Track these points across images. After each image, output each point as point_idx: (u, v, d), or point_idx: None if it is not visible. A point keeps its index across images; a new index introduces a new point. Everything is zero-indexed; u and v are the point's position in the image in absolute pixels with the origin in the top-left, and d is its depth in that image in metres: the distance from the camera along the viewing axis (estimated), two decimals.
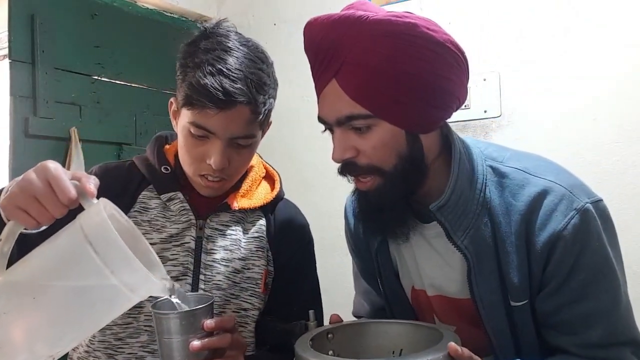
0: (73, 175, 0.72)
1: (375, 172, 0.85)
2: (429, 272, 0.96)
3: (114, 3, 2.28)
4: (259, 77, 0.94)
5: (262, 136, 1.06)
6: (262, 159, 1.15)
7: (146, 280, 0.67)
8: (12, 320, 0.67)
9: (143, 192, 1.02)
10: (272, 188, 1.12)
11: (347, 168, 0.86)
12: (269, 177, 1.14)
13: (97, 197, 0.98)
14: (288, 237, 1.10)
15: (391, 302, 1.04)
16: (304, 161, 2.28)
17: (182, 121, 0.97)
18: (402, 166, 0.85)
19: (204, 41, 0.96)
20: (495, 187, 0.89)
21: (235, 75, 0.91)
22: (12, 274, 0.69)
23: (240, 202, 1.04)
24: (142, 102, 2.36)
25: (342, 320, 0.90)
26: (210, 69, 0.91)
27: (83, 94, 2.13)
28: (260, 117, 0.96)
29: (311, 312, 0.90)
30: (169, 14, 2.52)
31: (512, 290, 0.87)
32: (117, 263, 0.65)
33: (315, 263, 1.16)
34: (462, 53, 0.85)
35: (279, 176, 1.15)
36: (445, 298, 0.96)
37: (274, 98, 1.01)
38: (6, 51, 1.95)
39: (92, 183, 0.71)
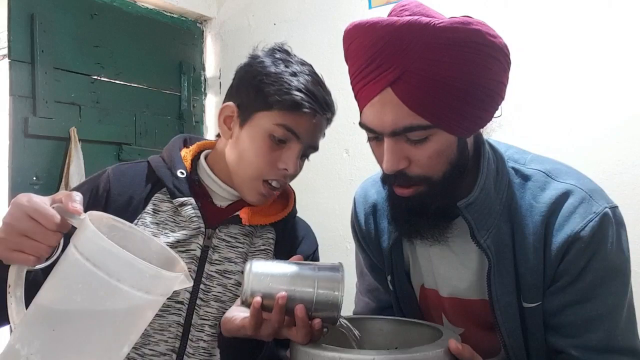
0: (53, 198, 0.71)
1: (424, 182, 0.83)
2: (443, 272, 0.96)
3: (114, 3, 2.28)
4: (331, 98, 1.04)
5: None
6: None
7: (158, 276, 0.66)
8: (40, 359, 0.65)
9: (156, 195, 1.01)
10: (286, 205, 1.11)
11: (396, 178, 0.83)
12: (284, 194, 1.13)
13: (110, 201, 0.99)
14: (295, 253, 1.09)
15: (401, 299, 1.04)
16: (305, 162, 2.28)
17: (261, 124, 0.97)
18: (450, 173, 0.84)
19: (280, 53, 1.04)
20: (517, 189, 0.89)
21: (325, 89, 1.02)
22: (31, 313, 0.67)
23: (252, 218, 1.03)
24: (141, 102, 2.37)
25: None
26: (308, 78, 0.99)
27: (83, 93, 2.13)
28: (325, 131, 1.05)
29: None
30: (169, 14, 2.52)
31: (525, 292, 0.88)
32: (119, 269, 0.64)
33: None
34: (509, 54, 0.85)
35: (294, 194, 1.14)
36: (458, 300, 0.95)
37: None
38: (6, 51, 1.95)
39: (75, 201, 0.69)
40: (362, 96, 0.82)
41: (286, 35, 2.35)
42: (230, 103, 1.02)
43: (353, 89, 0.86)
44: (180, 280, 0.69)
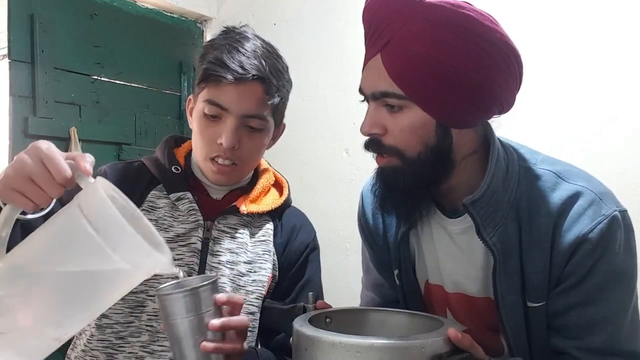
0: (67, 155, 0.71)
1: (397, 154, 0.85)
2: (449, 268, 0.96)
3: (114, 3, 2.28)
4: (274, 63, 1.00)
5: (275, 137, 1.08)
6: (272, 167, 1.16)
7: (149, 254, 0.66)
8: (16, 305, 0.66)
9: (152, 192, 1.03)
10: (280, 195, 1.13)
11: (371, 144, 0.86)
12: (277, 185, 1.15)
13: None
14: (294, 243, 1.10)
15: (407, 294, 1.04)
16: (304, 161, 2.28)
17: (197, 106, 1.00)
18: (425, 156, 0.85)
19: (225, 34, 1.02)
20: (526, 188, 0.89)
21: (251, 54, 0.97)
22: (13, 258, 0.68)
23: (249, 207, 1.04)
24: (141, 102, 2.37)
25: (331, 307, 0.90)
26: (228, 47, 0.97)
27: (82, 93, 2.14)
28: (273, 100, 0.99)
29: (310, 294, 0.89)
30: (169, 14, 2.52)
31: (531, 291, 0.88)
32: (118, 240, 0.64)
33: (319, 271, 1.15)
34: (517, 56, 0.84)
35: (288, 184, 1.15)
36: (464, 296, 0.95)
37: (287, 95, 1.06)
38: (6, 51, 1.95)
39: (87, 162, 0.70)
40: (364, 61, 0.86)
41: (286, 35, 2.35)
42: (190, 96, 1.07)
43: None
44: (165, 265, 0.69)
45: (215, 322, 0.75)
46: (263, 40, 1.03)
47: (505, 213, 0.88)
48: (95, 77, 2.20)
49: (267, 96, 0.98)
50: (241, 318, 0.80)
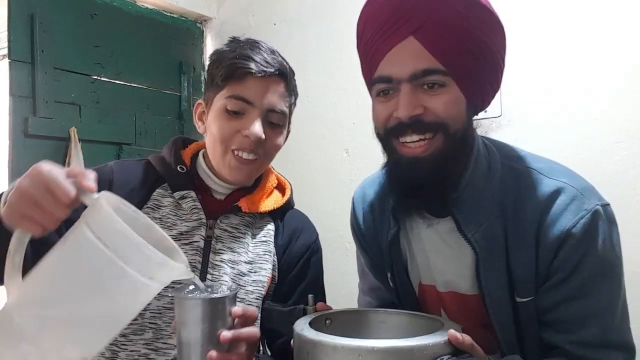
0: (69, 172, 0.71)
1: (441, 129, 0.85)
2: (440, 268, 0.97)
3: (114, 3, 2.28)
4: (289, 66, 1.05)
5: (285, 137, 1.10)
6: (274, 170, 1.17)
7: (163, 264, 0.66)
8: (39, 332, 0.65)
9: (157, 190, 1.04)
10: (283, 196, 1.13)
11: (413, 125, 0.85)
12: (280, 187, 1.16)
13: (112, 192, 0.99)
14: (295, 245, 1.10)
15: (402, 296, 1.04)
16: (304, 161, 2.28)
17: (217, 104, 1.01)
18: (462, 133, 0.87)
19: (231, 43, 1.05)
20: (509, 185, 0.90)
21: (270, 52, 1.02)
22: (29, 285, 0.68)
23: (251, 206, 1.05)
24: (141, 102, 2.37)
25: (331, 308, 0.90)
26: (251, 47, 1.01)
27: (83, 93, 2.13)
28: (291, 98, 1.04)
29: (310, 296, 0.90)
30: (169, 14, 2.52)
31: (518, 286, 0.89)
32: (128, 252, 0.64)
33: (322, 274, 1.15)
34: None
35: (291, 186, 1.16)
36: (456, 294, 0.96)
37: (297, 97, 1.09)
38: (6, 51, 1.95)
39: (90, 178, 0.70)
40: (381, 51, 0.87)
41: (286, 35, 2.35)
42: (200, 101, 1.08)
43: (369, 51, 0.89)
44: (181, 271, 0.70)
45: (227, 334, 0.76)
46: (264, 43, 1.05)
47: (489, 211, 0.89)
48: (95, 77, 2.20)
49: (287, 92, 1.03)
50: (252, 330, 0.80)
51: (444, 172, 0.87)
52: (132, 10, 2.35)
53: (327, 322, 0.85)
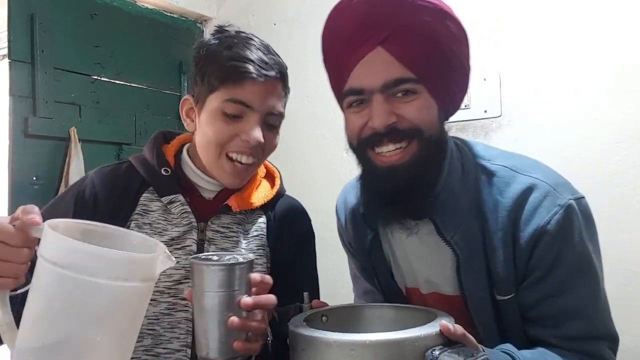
0: (13, 216, 0.70)
1: (416, 134, 0.86)
2: (422, 270, 0.97)
3: (114, 3, 2.28)
4: (283, 62, 1.01)
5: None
6: None
7: (131, 261, 0.64)
8: None
9: (144, 195, 1.01)
10: (272, 186, 1.11)
11: (388, 134, 0.86)
12: (269, 176, 1.14)
13: (99, 208, 0.98)
14: (286, 231, 1.08)
15: (391, 299, 1.05)
16: (305, 161, 2.28)
17: (212, 106, 0.97)
18: (436, 138, 0.87)
19: (219, 34, 1.00)
20: (483, 185, 0.91)
21: (266, 50, 0.98)
22: (23, 336, 0.66)
23: (241, 204, 1.03)
24: (142, 102, 2.36)
25: (327, 305, 0.90)
26: (246, 45, 0.96)
27: (83, 93, 2.13)
28: (285, 99, 1.02)
29: (305, 294, 0.89)
30: (169, 14, 2.52)
31: (498, 285, 0.89)
32: (90, 264, 0.62)
33: (315, 259, 1.14)
34: None
35: (279, 173, 1.14)
36: (439, 295, 0.97)
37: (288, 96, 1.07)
38: (6, 51, 1.95)
39: (31, 213, 0.68)
40: (350, 63, 0.87)
41: (286, 35, 2.35)
42: (187, 96, 1.03)
43: (337, 63, 0.90)
44: (160, 260, 0.67)
45: (248, 300, 0.75)
46: (255, 37, 1.02)
47: (466, 212, 0.90)
48: (95, 77, 2.20)
49: (283, 92, 1.01)
50: (270, 297, 0.79)
51: (421, 177, 0.88)
52: (132, 10, 2.35)
53: (324, 318, 0.85)
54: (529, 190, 0.88)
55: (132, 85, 2.34)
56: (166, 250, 0.71)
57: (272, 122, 1.00)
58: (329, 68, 0.94)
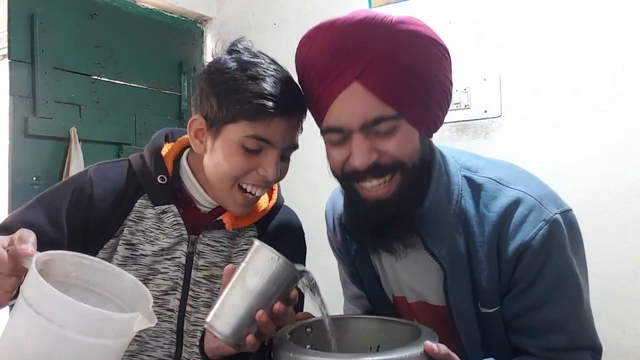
0: (10, 240, 0.69)
1: (399, 168, 0.84)
2: (408, 281, 0.97)
3: (114, 3, 2.28)
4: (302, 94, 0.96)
5: None
6: None
7: (105, 319, 0.62)
8: None
9: (139, 201, 0.99)
10: (270, 198, 1.08)
11: (372, 171, 0.83)
12: None
13: (94, 207, 0.96)
14: (279, 243, 1.07)
15: (377, 306, 1.05)
16: (304, 161, 2.27)
17: (230, 137, 0.91)
18: (419, 165, 0.85)
19: (237, 55, 0.95)
20: (470, 198, 0.90)
21: (289, 83, 0.93)
22: None
23: (235, 222, 1.01)
24: (142, 102, 2.36)
25: (312, 316, 0.89)
26: (271, 77, 0.90)
27: (83, 94, 2.13)
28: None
29: (290, 307, 0.89)
30: (169, 14, 2.52)
31: (483, 298, 0.89)
32: (63, 315, 0.60)
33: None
34: None
35: (278, 186, 1.12)
36: (425, 304, 0.97)
37: None
38: (6, 51, 1.95)
39: (26, 242, 0.67)
40: (326, 97, 0.82)
41: (286, 35, 2.35)
42: (198, 116, 0.96)
43: (312, 95, 0.86)
44: (138, 320, 0.64)
45: (281, 306, 0.75)
46: (274, 62, 0.97)
47: (451, 225, 0.89)
48: (95, 77, 2.19)
49: (301, 124, 0.97)
50: (293, 315, 0.81)
51: (407, 204, 0.86)
52: (132, 10, 2.35)
53: (308, 330, 0.84)
54: (514, 204, 0.87)
55: (132, 85, 2.34)
56: (151, 307, 0.68)
57: (287, 154, 0.98)
58: (306, 96, 0.89)
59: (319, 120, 0.87)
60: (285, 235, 1.08)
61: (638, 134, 1.62)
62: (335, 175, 0.91)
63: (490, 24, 1.85)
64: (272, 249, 0.75)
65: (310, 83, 0.85)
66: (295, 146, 0.98)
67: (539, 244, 0.84)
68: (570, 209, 0.89)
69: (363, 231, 0.92)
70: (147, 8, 2.42)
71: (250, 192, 0.96)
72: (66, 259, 0.69)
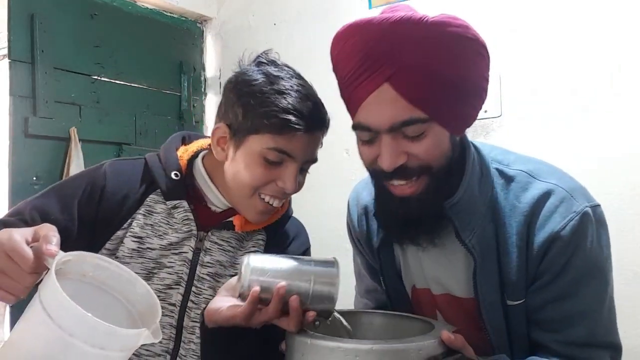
0: (35, 236, 0.70)
1: (426, 172, 0.84)
2: (434, 272, 0.97)
3: (114, 3, 2.28)
4: (325, 109, 1.00)
5: None
6: None
7: (112, 333, 0.64)
8: None
9: (151, 196, 1.01)
10: (281, 207, 1.09)
11: (397, 173, 0.84)
12: None
13: (105, 199, 0.98)
14: (281, 249, 1.08)
15: (393, 300, 1.04)
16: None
17: (253, 147, 0.94)
18: (446, 165, 0.86)
19: (265, 67, 0.97)
20: (500, 189, 0.91)
21: (314, 99, 0.96)
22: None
23: (245, 225, 1.03)
24: (142, 102, 2.36)
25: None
26: (298, 93, 0.93)
27: (83, 93, 2.13)
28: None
29: None
30: (169, 14, 2.52)
31: (509, 290, 0.89)
32: (73, 325, 0.62)
33: None
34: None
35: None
36: (451, 297, 0.97)
37: None
38: (6, 51, 1.95)
39: (50, 242, 0.68)
40: (357, 96, 0.83)
41: (286, 35, 2.35)
42: (222, 124, 0.99)
43: (344, 92, 0.86)
44: (144, 336, 0.66)
45: (297, 304, 0.76)
46: (299, 76, 0.99)
47: (482, 215, 0.89)
48: (95, 77, 2.20)
49: (321, 139, 1.00)
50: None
51: (436, 202, 0.87)
52: (132, 10, 2.35)
53: (317, 323, 0.85)
54: (545, 196, 0.87)
55: (132, 85, 2.34)
56: (158, 321, 0.70)
57: (306, 167, 1.00)
58: (340, 89, 0.89)
59: (351, 115, 0.88)
60: (292, 242, 1.10)
61: (637, 134, 1.62)
62: (369, 171, 0.92)
63: (490, 25, 1.85)
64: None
65: (343, 79, 0.85)
66: (314, 160, 1.00)
67: (569, 234, 0.84)
68: (599, 205, 0.90)
69: (393, 225, 0.93)
70: (147, 8, 2.42)
71: (268, 203, 0.98)
72: (86, 259, 0.70)
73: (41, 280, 0.68)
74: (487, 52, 0.84)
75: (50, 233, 0.70)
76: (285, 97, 0.92)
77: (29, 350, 0.64)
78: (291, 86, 0.94)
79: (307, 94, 0.95)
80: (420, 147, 0.82)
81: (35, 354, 0.63)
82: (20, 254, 0.68)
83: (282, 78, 0.95)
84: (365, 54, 0.80)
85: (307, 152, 0.97)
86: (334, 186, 2.26)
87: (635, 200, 1.62)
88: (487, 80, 0.86)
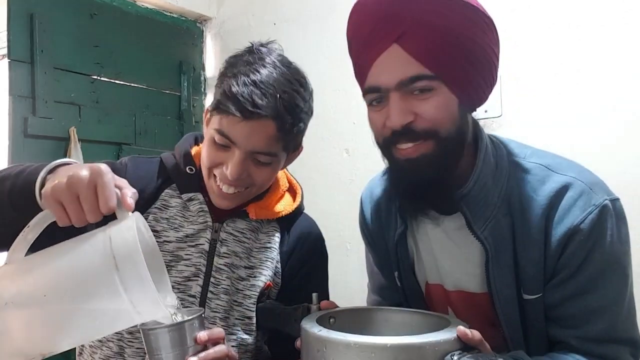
0: (117, 183, 0.72)
1: (432, 136, 0.85)
2: (447, 267, 0.97)
3: (114, 3, 2.28)
4: (291, 97, 0.94)
5: (290, 159, 1.07)
6: (287, 172, 1.15)
7: (154, 305, 0.67)
8: (17, 313, 0.67)
9: (166, 190, 1.03)
10: (294, 200, 1.12)
11: (403, 134, 0.85)
12: (291, 190, 1.14)
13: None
14: (300, 249, 1.09)
15: (409, 296, 1.04)
16: (304, 161, 2.27)
17: (210, 128, 0.98)
18: (454, 134, 0.86)
19: (247, 55, 0.98)
20: (517, 182, 0.90)
21: (266, 89, 0.91)
22: (30, 264, 0.69)
23: (259, 213, 1.05)
24: (141, 102, 2.36)
25: (337, 306, 0.90)
26: (245, 79, 0.92)
27: (82, 93, 2.13)
28: (286, 137, 0.95)
29: (314, 295, 0.89)
30: (169, 14, 2.52)
31: (526, 283, 0.89)
32: (133, 283, 0.65)
33: (327, 279, 1.15)
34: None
35: (302, 190, 1.15)
36: (464, 293, 0.96)
37: (306, 124, 1.02)
38: (5, 51, 1.95)
39: (131, 196, 0.71)
40: (367, 58, 0.86)
41: (286, 35, 2.35)
42: (208, 106, 1.02)
43: (357, 61, 0.89)
44: (163, 315, 0.72)
45: (193, 359, 0.77)
46: (287, 65, 0.98)
47: (496, 207, 0.89)
48: (95, 77, 2.20)
49: (279, 134, 0.93)
50: (219, 349, 0.81)
51: (444, 170, 0.87)
52: (132, 10, 2.35)
53: (331, 320, 0.85)
54: (564, 189, 0.86)
55: (132, 85, 2.34)
56: (175, 303, 0.78)
57: (261, 160, 0.96)
58: (352, 62, 0.93)
59: (361, 85, 0.90)
60: (307, 243, 1.11)
61: (638, 133, 1.62)
62: (378, 143, 0.92)
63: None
64: (151, 324, 0.77)
65: (357, 49, 0.88)
66: (269, 153, 0.95)
67: (589, 228, 0.84)
68: (619, 199, 0.89)
69: (402, 193, 0.94)
70: (147, 8, 2.42)
71: (220, 186, 0.98)
72: (139, 224, 0.73)
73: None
74: (497, 31, 0.86)
75: (132, 188, 0.73)
76: (237, 79, 0.92)
77: (77, 282, 0.67)
78: (245, 72, 0.93)
79: (261, 81, 0.91)
80: (427, 105, 0.83)
81: (79, 283, 0.67)
82: (108, 192, 0.69)
83: (248, 63, 0.95)
84: (376, 18, 0.84)
85: (252, 142, 0.93)
86: (334, 186, 2.26)
87: (636, 200, 1.61)
88: (496, 57, 0.87)
